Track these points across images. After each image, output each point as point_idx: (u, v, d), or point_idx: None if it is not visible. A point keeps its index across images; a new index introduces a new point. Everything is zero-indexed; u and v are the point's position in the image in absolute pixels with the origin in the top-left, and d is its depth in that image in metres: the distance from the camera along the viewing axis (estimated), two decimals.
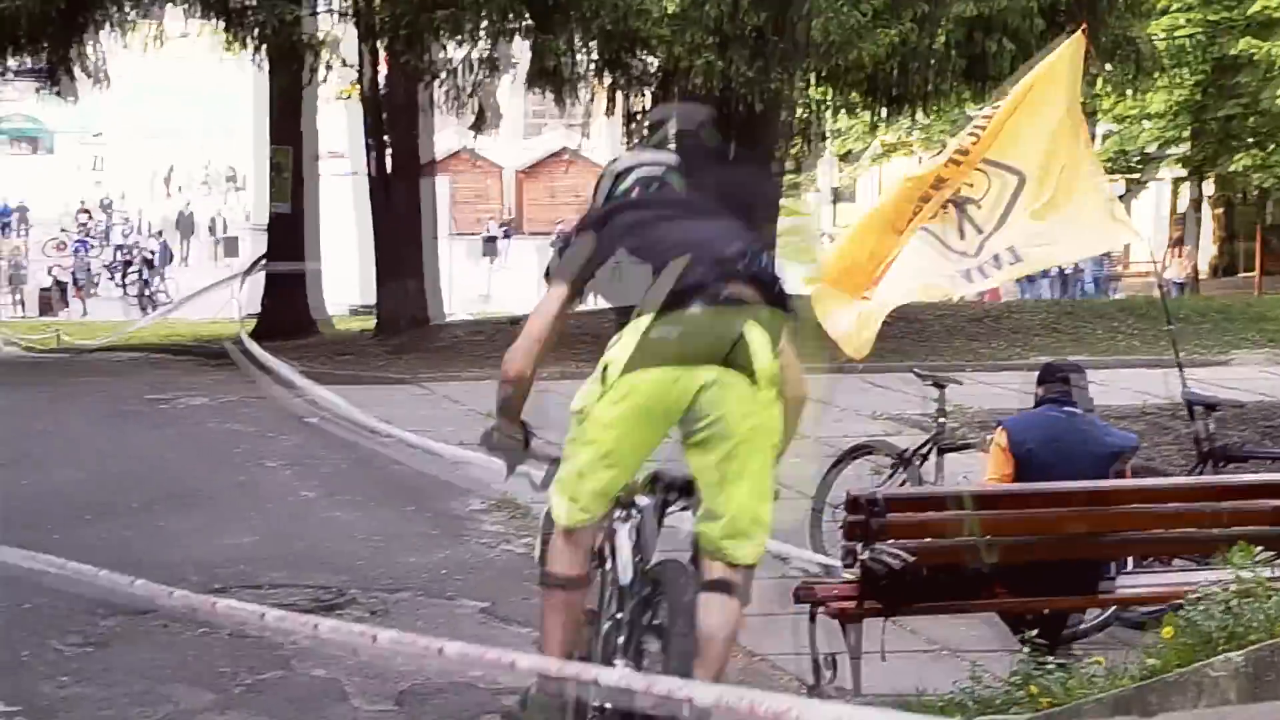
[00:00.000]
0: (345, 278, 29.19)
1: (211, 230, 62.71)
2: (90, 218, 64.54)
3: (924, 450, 10.93)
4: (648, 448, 6.20)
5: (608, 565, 6.30)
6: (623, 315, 6.16)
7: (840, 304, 10.46)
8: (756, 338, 6.07)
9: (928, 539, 8.25)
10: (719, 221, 6.52)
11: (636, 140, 26.34)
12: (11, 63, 22.85)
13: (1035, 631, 7.68)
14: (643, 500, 6.31)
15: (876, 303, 10.33)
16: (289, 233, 24.31)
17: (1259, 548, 6.83)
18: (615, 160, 7.12)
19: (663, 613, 5.94)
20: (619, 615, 6.14)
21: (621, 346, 6.07)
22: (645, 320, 6.01)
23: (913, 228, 10.32)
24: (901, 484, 10.74)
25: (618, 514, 6.31)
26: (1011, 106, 10.46)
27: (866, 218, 11.19)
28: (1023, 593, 8.41)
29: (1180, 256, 41.16)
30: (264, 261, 24.68)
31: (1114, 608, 9.35)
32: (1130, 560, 9.24)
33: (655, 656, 5.93)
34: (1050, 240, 10.32)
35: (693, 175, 6.92)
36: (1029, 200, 10.15)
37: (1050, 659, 7.20)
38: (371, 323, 25.67)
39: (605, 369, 6.09)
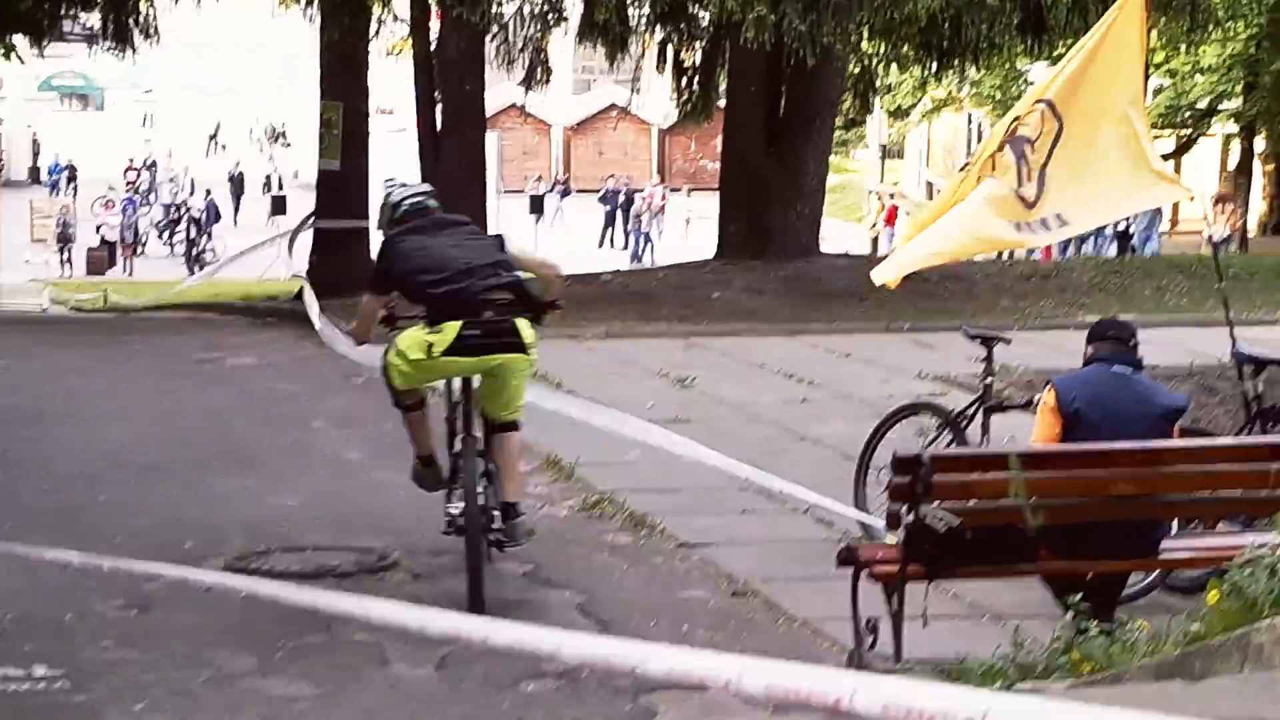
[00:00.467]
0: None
1: (267, 188, 62.77)
2: (139, 176, 64.66)
3: (971, 411, 10.85)
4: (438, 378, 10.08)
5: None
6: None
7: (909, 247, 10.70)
8: (523, 326, 9.56)
9: (973, 501, 8.17)
10: (476, 240, 10.02)
11: (684, 99, 26.26)
12: (65, 19, 22.85)
13: (1079, 596, 7.60)
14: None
15: (927, 245, 10.41)
16: (338, 190, 24.28)
17: None
18: (388, 193, 10.21)
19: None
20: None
21: (441, 338, 9.45)
22: (455, 324, 9.42)
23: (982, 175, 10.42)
24: (948, 445, 10.66)
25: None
26: (1078, 58, 10.47)
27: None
28: (1070, 556, 8.33)
29: (1224, 213, 40.81)
30: (312, 219, 24.65)
31: (1159, 572, 9.28)
32: (1175, 524, 9.16)
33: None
34: (1096, 200, 10.30)
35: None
36: (1069, 153, 10.15)
37: (1093, 624, 7.12)
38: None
39: (430, 345, 9.48)
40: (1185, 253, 30.56)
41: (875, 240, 48.87)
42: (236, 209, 59.30)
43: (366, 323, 10.33)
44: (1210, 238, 16.47)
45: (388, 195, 10.15)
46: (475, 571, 9.27)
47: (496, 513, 9.59)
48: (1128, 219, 36.58)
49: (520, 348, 9.51)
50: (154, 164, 67.82)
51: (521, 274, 9.76)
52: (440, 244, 9.70)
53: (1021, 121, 10.39)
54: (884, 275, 10.50)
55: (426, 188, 10.44)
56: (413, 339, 9.58)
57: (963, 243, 10.62)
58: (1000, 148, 10.43)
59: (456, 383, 9.95)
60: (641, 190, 56.72)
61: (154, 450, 13.25)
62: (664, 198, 56.88)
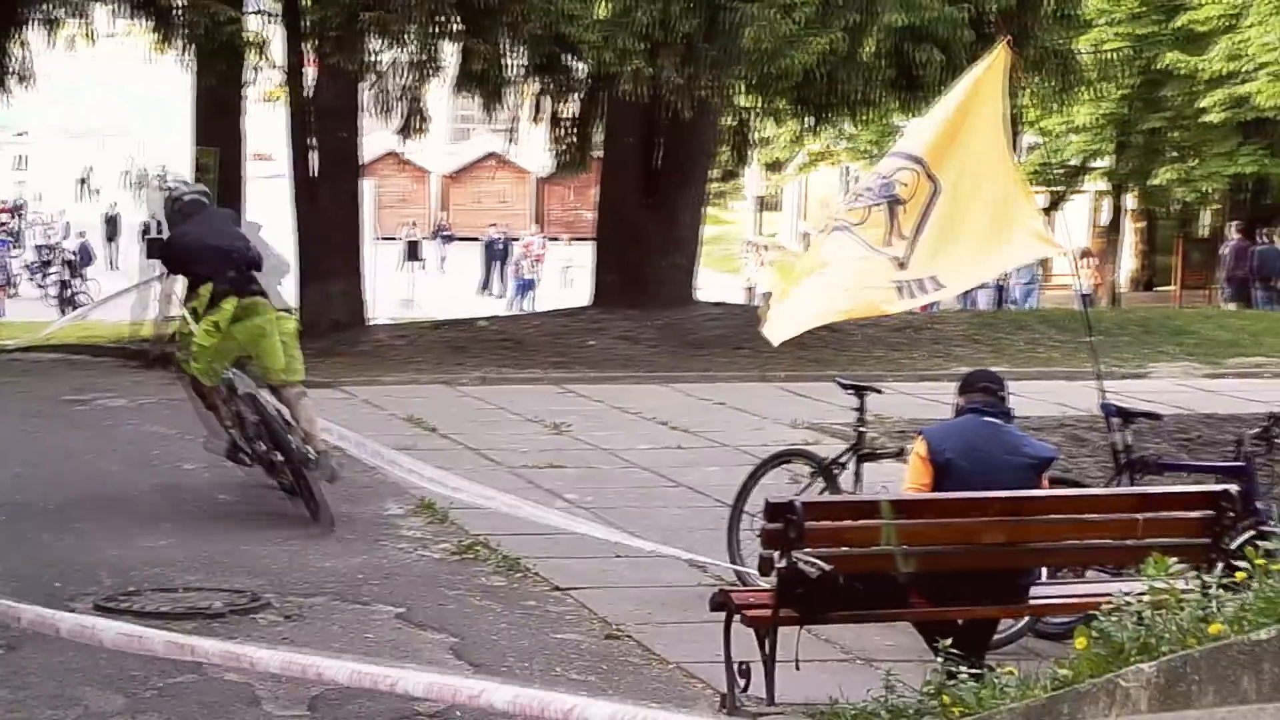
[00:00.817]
0: (269, 280, 29.04)
1: (145, 232, 62.25)
2: (12, 217, 64.01)
3: (843, 459, 10.95)
4: (234, 356, 12.54)
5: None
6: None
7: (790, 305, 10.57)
8: (272, 295, 12.74)
9: (845, 547, 8.25)
10: (233, 231, 12.94)
11: (561, 149, 26.31)
12: None
13: (950, 641, 7.67)
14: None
15: (811, 306, 10.40)
16: None
17: (1173, 558, 6.85)
18: (173, 189, 13.04)
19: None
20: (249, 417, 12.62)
21: (223, 313, 12.32)
22: (232, 302, 12.36)
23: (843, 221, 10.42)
24: (821, 492, 10.74)
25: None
26: (945, 116, 10.55)
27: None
28: (941, 602, 8.42)
29: (1087, 268, 41.44)
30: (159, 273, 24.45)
31: (1028, 618, 9.39)
32: (1044, 571, 9.28)
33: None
34: (970, 261, 10.38)
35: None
36: (942, 215, 10.20)
37: (963, 669, 7.20)
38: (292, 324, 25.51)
39: (217, 322, 12.32)
40: (1058, 306, 30.99)
41: (750, 290, 49.15)
42: (111, 251, 58.79)
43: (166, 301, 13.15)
44: (1076, 292, 16.71)
45: (172, 191, 13.08)
46: (309, 488, 12.29)
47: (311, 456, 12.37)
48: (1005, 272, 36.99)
49: (286, 310, 13.13)
50: (23, 205, 67.12)
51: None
52: (216, 233, 12.67)
53: (896, 180, 10.42)
54: (776, 334, 10.51)
55: (202, 187, 13.74)
56: (201, 332, 12.38)
57: (848, 305, 10.64)
58: (865, 196, 10.48)
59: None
60: (519, 239, 56.79)
61: (22, 491, 13.13)
62: (543, 246, 56.95)
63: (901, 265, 10.16)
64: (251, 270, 12.65)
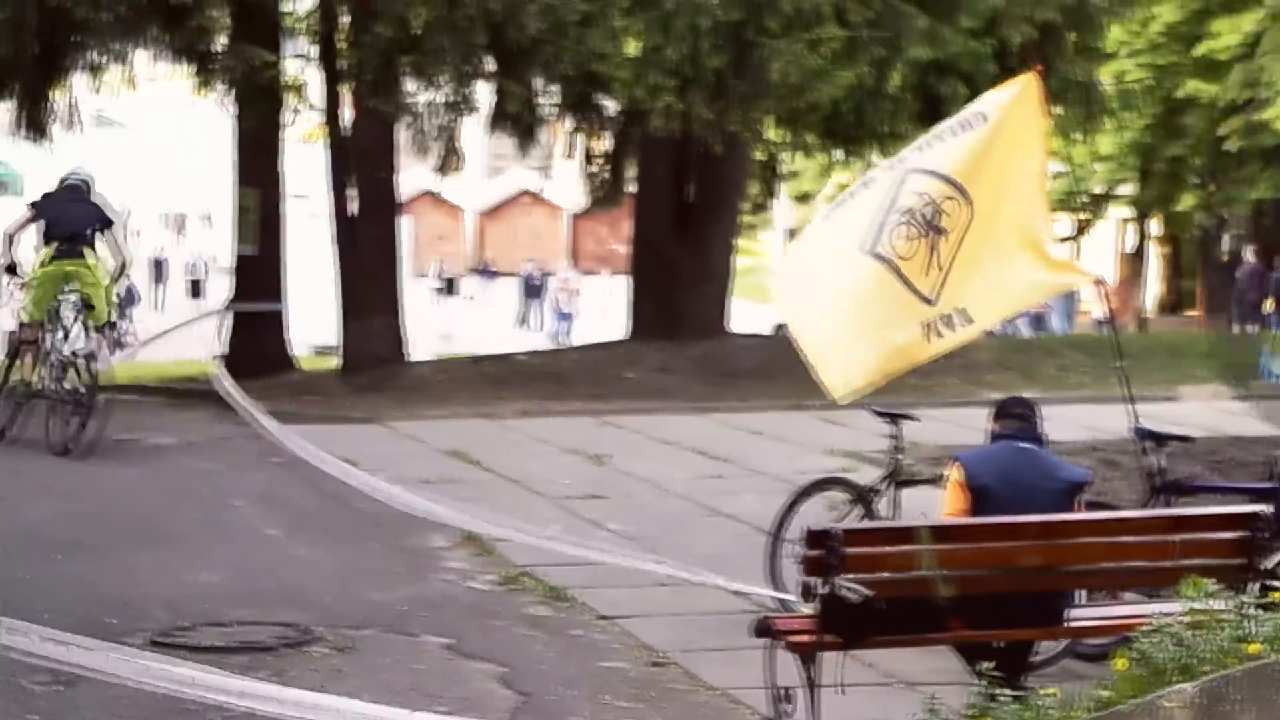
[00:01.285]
0: (308, 318, 29.29)
1: (191, 271, 62.67)
2: None
3: (881, 486, 11.11)
4: (53, 296, 16.22)
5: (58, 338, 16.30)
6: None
7: (837, 340, 10.40)
8: (95, 250, 16.55)
9: (885, 573, 8.39)
10: (84, 205, 16.79)
11: (594, 184, 26.57)
12: None
13: (992, 664, 7.81)
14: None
15: (873, 367, 10.24)
16: (256, 274, 24.48)
17: (1210, 579, 6.97)
18: (69, 173, 17.41)
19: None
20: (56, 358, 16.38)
21: (44, 256, 16.38)
22: (52, 248, 16.35)
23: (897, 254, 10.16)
24: (859, 519, 10.90)
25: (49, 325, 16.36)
26: (977, 140, 10.45)
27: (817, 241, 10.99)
28: (980, 625, 8.57)
29: (1108, 295, 41.49)
30: (231, 303, 24.82)
31: (1068, 640, 9.53)
32: (1083, 593, 9.41)
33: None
34: (998, 294, 10.33)
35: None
36: (973, 244, 10.15)
37: (1005, 691, 7.33)
38: (334, 362, 25.73)
39: (39, 265, 16.44)
40: (1085, 332, 31.05)
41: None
42: (159, 293, 59.32)
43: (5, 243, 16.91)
44: (1109, 321, 16.82)
45: (68, 174, 17.34)
46: (82, 423, 16.41)
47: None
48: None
49: (87, 265, 16.53)
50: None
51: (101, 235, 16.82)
52: (66, 206, 16.85)
53: (942, 209, 10.20)
54: (843, 393, 10.44)
55: (86, 176, 17.34)
56: (31, 275, 16.74)
57: (892, 363, 10.42)
58: (924, 231, 10.31)
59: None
60: (555, 274, 57.09)
61: (73, 529, 13.29)
62: (578, 281, 57.28)
63: (930, 301, 10.15)
64: (80, 233, 16.68)
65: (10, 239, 16.85)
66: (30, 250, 16.97)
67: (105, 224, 16.87)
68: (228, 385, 17.03)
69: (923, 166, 10.43)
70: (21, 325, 16.88)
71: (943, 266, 10.07)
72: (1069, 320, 42.40)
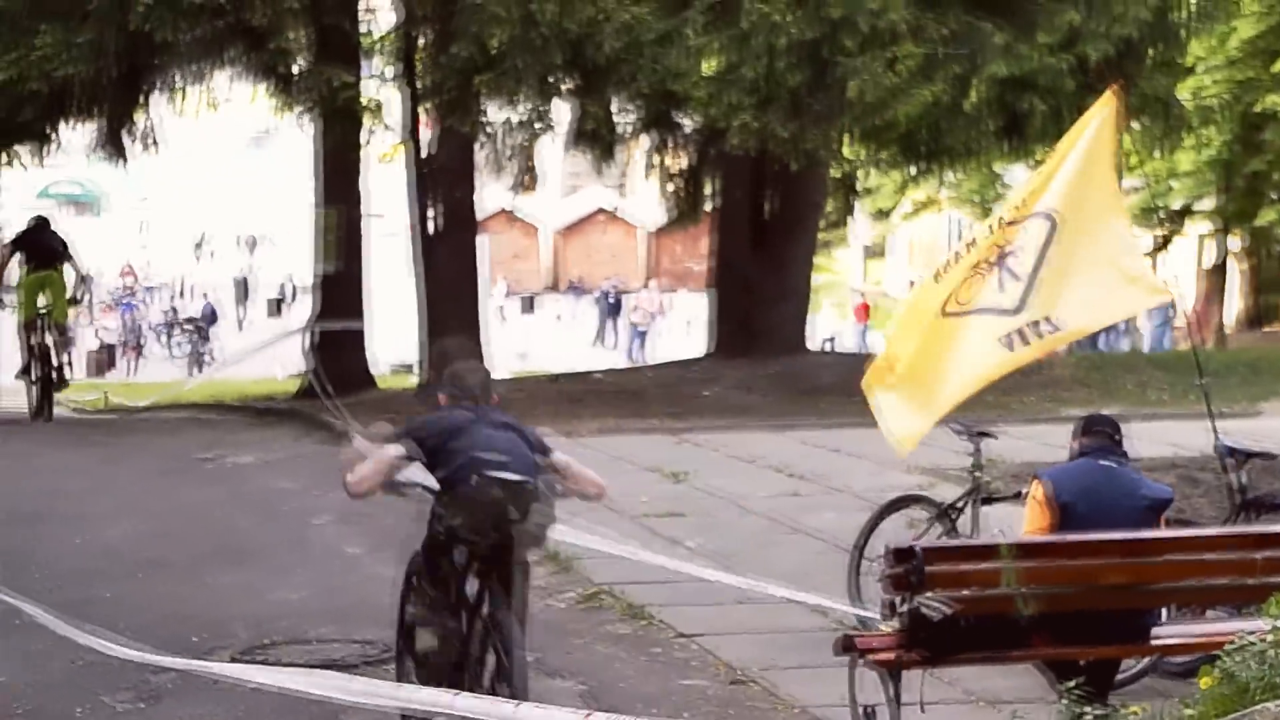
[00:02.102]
0: (387, 336, 29.48)
1: (281, 295, 63.29)
2: (137, 280, 65.18)
3: (961, 503, 11.08)
4: (34, 300, 21.34)
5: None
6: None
7: (901, 400, 10.49)
8: (60, 268, 21.63)
9: (967, 590, 8.37)
10: (50, 235, 21.79)
11: (673, 202, 26.66)
12: (65, 130, 23.22)
13: (1076, 682, 7.78)
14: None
15: (934, 404, 10.31)
16: (336, 292, 24.67)
17: None
18: (36, 215, 22.79)
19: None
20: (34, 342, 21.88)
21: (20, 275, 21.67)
22: (30, 266, 21.55)
23: (963, 305, 10.24)
24: (940, 536, 10.87)
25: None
26: (1051, 166, 10.52)
27: (917, 302, 11.10)
28: (1064, 643, 8.53)
29: (1182, 316, 41.44)
30: (312, 321, 25.05)
31: (1151, 658, 9.48)
32: (1165, 611, 9.36)
33: None
34: (1085, 305, 10.33)
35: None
36: (1062, 248, 10.15)
37: (1089, 709, 7.30)
38: (412, 380, 25.83)
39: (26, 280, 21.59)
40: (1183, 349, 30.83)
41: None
42: (241, 312, 59.90)
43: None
44: (1192, 338, 16.70)
45: (35, 216, 22.55)
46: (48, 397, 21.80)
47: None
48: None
49: (58, 271, 21.51)
50: (130, 270, 68.41)
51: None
52: (37, 237, 21.64)
53: (994, 245, 10.26)
54: (905, 444, 10.52)
55: (46, 216, 22.64)
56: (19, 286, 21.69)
57: (962, 388, 10.48)
58: (982, 269, 10.35)
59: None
60: (632, 291, 57.28)
61: (157, 547, 13.42)
62: (659, 300, 57.49)
63: (1014, 311, 10.12)
64: (49, 255, 21.64)
65: (2, 266, 21.81)
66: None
67: (65, 249, 21.80)
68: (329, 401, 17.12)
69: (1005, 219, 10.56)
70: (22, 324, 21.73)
71: (1020, 277, 10.07)
72: (1165, 335, 42.32)
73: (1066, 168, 10.36)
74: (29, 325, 21.55)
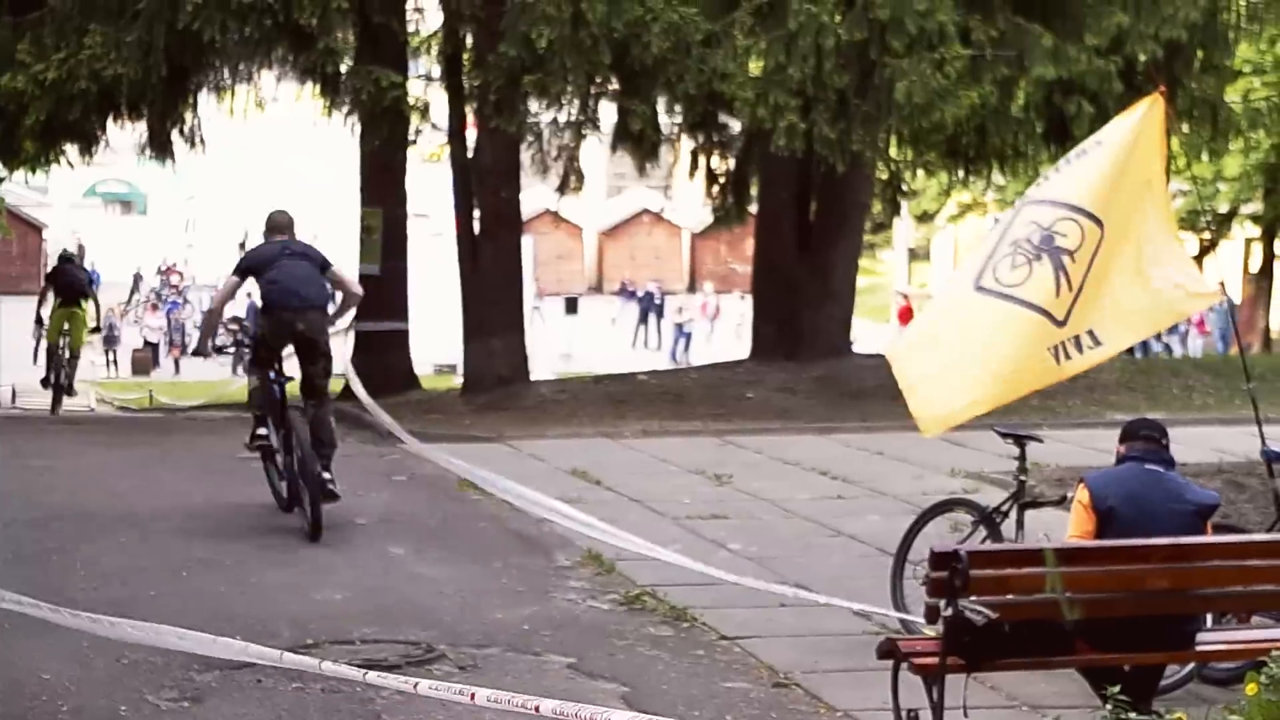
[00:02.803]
0: (428, 336, 29.54)
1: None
2: (182, 278, 65.46)
3: (1005, 507, 11.04)
4: (59, 329, 26.01)
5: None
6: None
7: (936, 372, 10.42)
8: (84, 302, 26.32)
9: (1010, 595, 8.35)
10: (78, 270, 27.52)
11: (717, 203, 26.66)
12: (111, 129, 23.33)
13: (1119, 688, 7.76)
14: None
15: (967, 392, 10.26)
16: (378, 293, 24.73)
17: None
18: (65, 249, 30.30)
19: None
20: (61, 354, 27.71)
21: (52, 307, 26.23)
22: (59, 300, 26.09)
23: (1004, 286, 10.17)
24: (983, 541, 10.84)
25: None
26: (1103, 163, 10.43)
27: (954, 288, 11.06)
28: (1107, 648, 8.51)
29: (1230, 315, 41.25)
30: (354, 321, 25.09)
31: (1195, 664, 9.44)
32: (1209, 617, 9.32)
33: None
34: (1128, 317, 10.27)
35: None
36: (1106, 258, 10.11)
37: (1132, 715, 7.28)
38: (454, 381, 25.85)
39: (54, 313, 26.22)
40: (1209, 354, 30.75)
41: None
42: None
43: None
44: (1239, 342, 16.63)
45: (65, 250, 28.35)
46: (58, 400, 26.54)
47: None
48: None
49: (81, 308, 25.74)
50: (168, 267, 68.80)
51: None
52: (68, 273, 25.95)
53: (1055, 231, 10.28)
54: (932, 426, 10.51)
55: (75, 252, 31.00)
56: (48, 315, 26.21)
57: (1005, 388, 10.42)
58: (1025, 249, 10.29)
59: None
60: (675, 293, 57.36)
61: (200, 546, 13.45)
62: (704, 303, 57.58)
63: (1060, 323, 10.10)
64: (76, 291, 25.90)
65: (41, 301, 26.16)
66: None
67: (90, 283, 26.85)
68: (373, 407, 17.16)
69: (1037, 198, 10.54)
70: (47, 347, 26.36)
71: (1073, 288, 10.02)
72: (1226, 340, 42.26)
73: (1114, 170, 10.29)
74: (51, 349, 26.38)
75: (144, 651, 9.57)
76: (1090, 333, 10.05)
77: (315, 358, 14.16)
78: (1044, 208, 10.36)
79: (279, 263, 14.06)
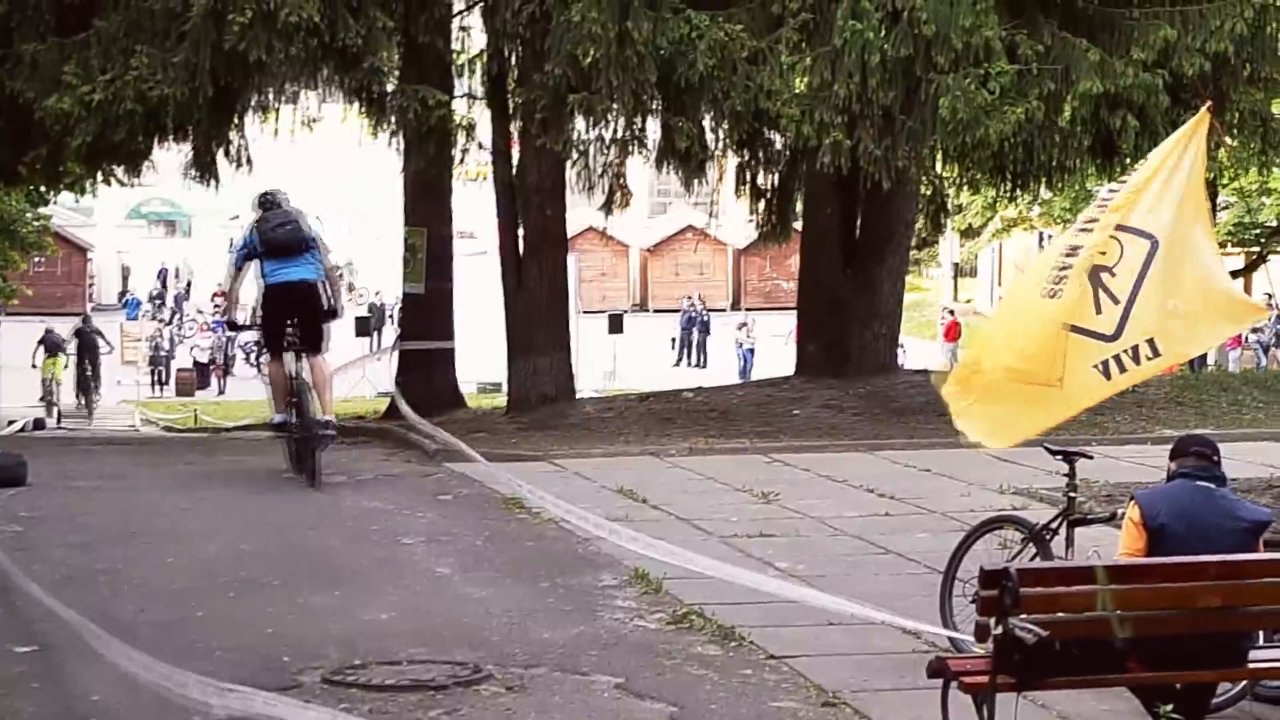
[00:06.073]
0: (473, 355, 29.56)
1: (369, 314, 63.55)
2: (226, 299, 65.69)
3: (1054, 524, 10.97)
4: (47, 373, 43.04)
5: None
6: None
7: (992, 396, 10.43)
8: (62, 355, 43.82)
9: (1060, 613, 8.30)
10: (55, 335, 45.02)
11: (762, 220, 26.61)
12: (156, 150, 23.39)
13: (1171, 706, 7.70)
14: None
15: (1025, 416, 10.26)
16: (423, 312, 24.79)
17: None
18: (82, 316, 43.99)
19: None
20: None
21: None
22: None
23: (1059, 315, 10.17)
24: (1032, 558, 10.77)
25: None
26: (1143, 179, 10.42)
27: (1008, 303, 11.07)
28: (1159, 666, 8.45)
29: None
30: (399, 341, 25.19)
31: (1247, 681, 9.36)
32: (1262, 634, 9.25)
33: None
34: (1185, 329, 10.23)
35: None
36: (1161, 271, 10.07)
37: None
38: (498, 400, 25.85)
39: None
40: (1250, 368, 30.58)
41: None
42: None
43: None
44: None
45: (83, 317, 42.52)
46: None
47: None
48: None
49: (59, 361, 42.19)
50: (187, 287, 69.17)
51: None
52: (53, 340, 43.41)
53: (1095, 251, 10.24)
54: (994, 441, 10.49)
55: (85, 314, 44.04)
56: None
57: (1060, 412, 10.44)
58: (1066, 271, 10.26)
59: None
60: (718, 310, 57.42)
61: (247, 566, 13.47)
62: (749, 321, 57.54)
63: (1110, 338, 10.05)
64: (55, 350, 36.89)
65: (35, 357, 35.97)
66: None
67: (64, 344, 36.93)
68: (425, 425, 17.23)
69: (1086, 218, 10.51)
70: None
71: (1118, 300, 9.99)
72: (1267, 352, 42.13)
73: (1165, 186, 10.26)
74: (44, 383, 41.19)
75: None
76: (1150, 342, 10.02)
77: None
78: (1089, 228, 10.38)
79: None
